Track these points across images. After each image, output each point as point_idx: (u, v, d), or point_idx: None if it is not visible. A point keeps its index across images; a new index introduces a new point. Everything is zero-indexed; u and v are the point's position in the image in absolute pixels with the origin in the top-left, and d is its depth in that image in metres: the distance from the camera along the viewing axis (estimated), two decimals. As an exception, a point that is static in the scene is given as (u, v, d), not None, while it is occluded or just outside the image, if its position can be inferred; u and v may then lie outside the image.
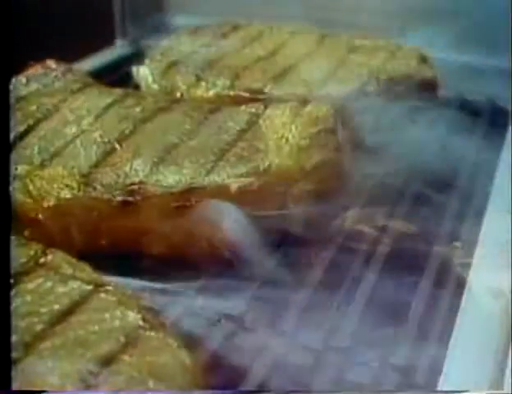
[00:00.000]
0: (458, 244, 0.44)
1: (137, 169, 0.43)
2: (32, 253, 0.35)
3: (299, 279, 0.40)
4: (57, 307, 0.31)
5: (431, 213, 0.46)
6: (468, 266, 0.40)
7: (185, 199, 0.41)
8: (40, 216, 0.41)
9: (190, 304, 0.37)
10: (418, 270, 0.42)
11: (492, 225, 0.44)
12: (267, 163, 0.43)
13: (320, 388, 0.34)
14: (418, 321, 0.38)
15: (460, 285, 0.39)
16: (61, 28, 0.76)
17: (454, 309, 0.37)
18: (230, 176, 0.42)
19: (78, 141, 0.46)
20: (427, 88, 0.58)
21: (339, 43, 0.63)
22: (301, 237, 0.42)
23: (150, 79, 0.60)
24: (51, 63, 0.56)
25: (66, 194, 0.42)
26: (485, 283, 0.38)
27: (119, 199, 0.41)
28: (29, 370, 0.28)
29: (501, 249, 0.40)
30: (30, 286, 0.32)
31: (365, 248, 0.43)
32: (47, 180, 0.42)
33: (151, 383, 0.28)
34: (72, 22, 0.79)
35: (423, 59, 0.60)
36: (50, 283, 0.32)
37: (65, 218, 0.41)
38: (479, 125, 0.61)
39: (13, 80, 0.54)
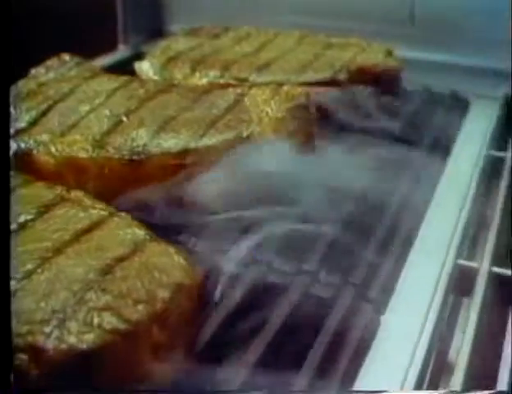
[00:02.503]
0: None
1: (141, 135, 0.51)
2: (58, 191, 0.43)
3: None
4: (80, 226, 0.39)
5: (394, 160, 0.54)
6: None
7: (181, 159, 0.50)
8: (61, 172, 0.50)
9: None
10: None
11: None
12: (250, 131, 0.52)
13: (290, 301, 0.42)
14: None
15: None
16: (69, 35, 0.85)
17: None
18: (219, 140, 0.51)
19: (91, 115, 0.54)
20: (392, 76, 0.67)
21: (316, 41, 0.72)
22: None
23: (151, 72, 0.68)
24: (65, 56, 0.64)
25: (83, 154, 0.50)
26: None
27: (126, 158, 0.50)
28: (59, 266, 0.36)
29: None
30: (59, 212, 0.41)
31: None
32: (66, 145, 0.51)
33: (156, 274, 0.36)
34: (79, 30, 0.88)
35: (389, 53, 0.69)
36: (74, 211, 0.41)
37: (81, 173, 0.50)
38: (440, 109, 0.70)
39: (33, 70, 0.63)
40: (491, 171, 0.57)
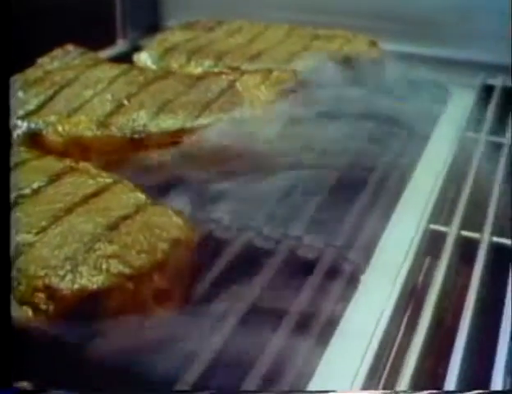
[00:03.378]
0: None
1: (141, 116, 0.56)
2: (67, 163, 0.47)
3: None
4: (88, 191, 0.44)
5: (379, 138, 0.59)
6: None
7: (177, 137, 0.54)
8: (68, 150, 0.54)
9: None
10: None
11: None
12: (242, 112, 0.57)
13: (278, 260, 0.47)
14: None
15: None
16: (68, 31, 0.90)
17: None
18: (213, 121, 0.56)
19: (95, 99, 0.59)
20: (375, 65, 0.71)
21: (304, 33, 0.77)
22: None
23: (149, 62, 0.73)
24: (69, 47, 0.69)
25: (88, 133, 0.55)
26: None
27: (128, 136, 0.54)
28: (70, 223, 0.40)
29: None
30: (68, 180, 0.45)
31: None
32: (72, 125, 0.55)
33: (156, 230, 0.40)
34: (79, 25, 0.92)
35: (373, 43, 0.74)
36: (82, 178, 0.45)
37: (86, 151, 0.54)
38: (423, 95, 0.74)
39: (39, 59, 0.67)
40: (467, 150, 0.62)
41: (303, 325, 0.41)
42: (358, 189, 0.54)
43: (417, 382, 0.35)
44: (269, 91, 0.59)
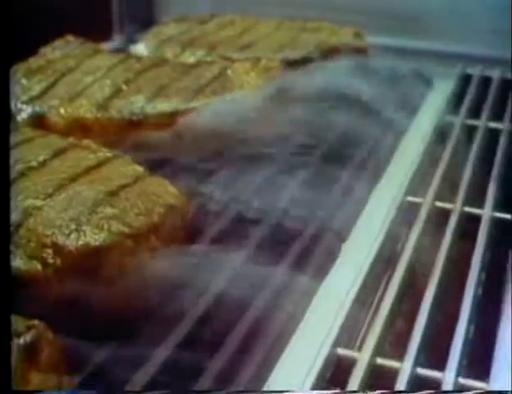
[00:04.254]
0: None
1: (139, 100, 0.60)
2: (71, 140, 0.51)
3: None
4: (90, 163, 0.47)
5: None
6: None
7: (172, 118, 0.58)
8: (70, 131, 0.58)
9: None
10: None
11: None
12: (232, 96, 0.61)
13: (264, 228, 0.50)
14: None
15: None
16: (66, 25, 0.93)
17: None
18: (205, 104, 0.59)
19: (95, 85, 0.62)
20: (359, 54, 0.75)
21: (293, 26, 0.81)
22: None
23: (145, 52, 0.77)
24: (70, 37, 0.73)
25: (88, 115, 0.58)
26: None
27: (126, 118, 0.58)
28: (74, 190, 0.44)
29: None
30: (72, 154, 0.49)
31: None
32: (74, 108, 0.59)
33: (153, 197, 0.44)
34: (76, 20, 0.96)
35: (358, 34, 0.78)
36: (84, 153, 0.49)
37: (87, 132, 0.58)
38: (408, 84, 0.78)
39: (41, 49, 0.71)
40: (444, 131, 0.66)
41: (285, 288, 0.45)
42: (343, 165, 0.58)
43: (382, 343, 0.39)
44: (258, 77, 0.63)
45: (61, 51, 0.71)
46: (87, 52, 0.69)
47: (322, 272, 0.46)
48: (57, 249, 0.39)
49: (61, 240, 0.39)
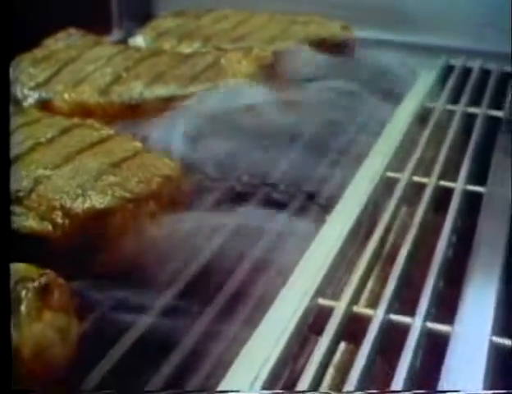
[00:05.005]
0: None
1: (138, 85, 0.64)
2: (75, 120, 0.55)
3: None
4: (94, 139, 0.52)
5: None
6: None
7: (168, 103, 0.63)
8: (73, 115, 0.62)
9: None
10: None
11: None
12: (225, 82, 0.65)
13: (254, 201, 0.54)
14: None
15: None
16: (67, 22, 0.97)
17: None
18: (200, 89, 0.64)
19: (96, 73, 0.67)
20: (346, 45, 0.80)
21: (283, 19, 0.85)
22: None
23: (143, 45, 0.81)
24: (72, 30, 0.77)
25: (90, 100, 0.63)
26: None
27: (126, 102, 0.62)
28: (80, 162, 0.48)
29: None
30: (77, 132, 0.53)
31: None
32: (77, 93, 0.63)
33: (152, 168, 0.48)
34: (76, 15, 1.00)
35: (345, 27, 0.82)
36: (88, 131, 0.53)
37: (90, 115, 0.62)
38: (393, 74, 0.83)
39: (45, 40, 0.75)
40: (425, 115, 0.70)
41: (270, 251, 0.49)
42: (330, 145, 0.63)
43: (358, 294, 0.43)
44: (249, 66, 0.67)
45: (63, 42, 0.75)
46: (88, 43, 0.74)
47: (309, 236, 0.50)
48: (65, 211, 0.43)
49: (68, 203, 0.43)
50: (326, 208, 0.55)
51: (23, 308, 0.34)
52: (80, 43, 0.75)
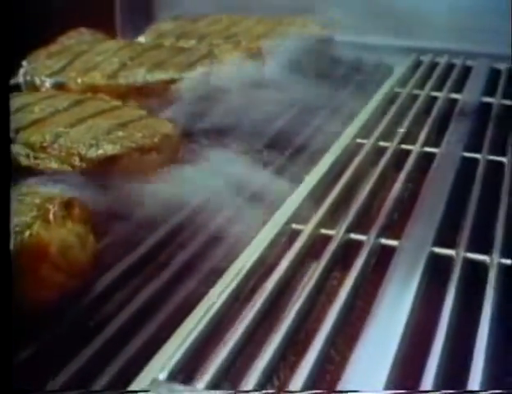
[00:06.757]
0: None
1: (141, 71, 0.73)
2: (88, 95, 0.65)
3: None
4: (104, 107, 0.61)
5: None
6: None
7: (168, 85, 0.72)
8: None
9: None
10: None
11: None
12: (217, 67, 0.75)
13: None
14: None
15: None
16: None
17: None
18: (196, 74, 0.73)
19: (105, 62, 0.76)
20: (326, 43, 0.90)
21: (271, 21, 0.95)
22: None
23: (146, 43, 0.91)
24: (83, 29, 0.87)
25: (101, 83, 0.72)
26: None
27: (131, 84, 0.72)
28: (93, 122, 0.57)
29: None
30: (89, 103, 0.62)
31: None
32: (88, 78, 0.73)
33: (154, 127, 0.57)
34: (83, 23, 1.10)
35: (325, 27, 0.92)
36: (99, 102, 0.63)
37: (100, 94, 0.71)
38: (372, 70, 0.92)
39: (59, 38, 0.85)
40: (394, 98, 0.79)
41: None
42: (316, 112, 0.72)
43: (325, 219, 0.52)
44: (239, 55, 0.77)
45: (75, 40, 0.85)
46: (98, 39, 0.83)
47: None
48: (81, 157, 0.52)
49: (84, 151, 0.53)
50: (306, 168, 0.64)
51: (51, 216, 0.43)
52: (90, 40, 0.85)
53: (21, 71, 0.77)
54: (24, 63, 0.78)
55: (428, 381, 0.36)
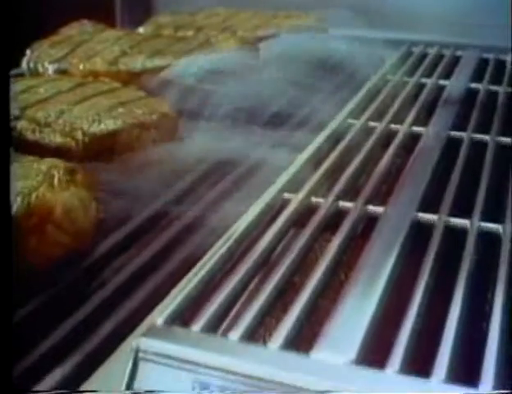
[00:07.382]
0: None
1: (140, 58, 0.76)
2: (89, 78, 0.68)
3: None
4: (106, 88, 0.64)
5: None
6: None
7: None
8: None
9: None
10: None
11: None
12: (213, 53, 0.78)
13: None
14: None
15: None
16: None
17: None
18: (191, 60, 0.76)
19: (106, 50, 0.79)
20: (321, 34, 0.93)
21: (267, 14, 0.98)
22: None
23: (145, 35, 0.94)
24: (84, 21, 0.90)
25: (102, 69, 0.75)
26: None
27: (130, 70, 0.75)
28: (95, 100, 0.60)
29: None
30: (91, 85, 0.65)
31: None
32: (90, 64, 0.76)
33: (153, 107, 0.60)
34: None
35: (320, 20, 0.95)
36: (101, 84, 0.65)
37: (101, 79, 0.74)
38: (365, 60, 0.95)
39: (61, 29, 0.88)
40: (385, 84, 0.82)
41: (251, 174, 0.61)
42: (309, 98, 0.75)
43: (316, 188, 0.54)
44: (235, 44, 0.80)
45: (77, 30, 0.88)
46: (99, 29, 0.86)
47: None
48: (84, 132, 0.55)
49: (86, 126, 0.56)
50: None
51: (56, 181, 0.46)
52: (91, 30, 0.88)
53: (25, 58, 0.80)
54: (27, 52, 0.81)
55: (402, 342, 0.37)
